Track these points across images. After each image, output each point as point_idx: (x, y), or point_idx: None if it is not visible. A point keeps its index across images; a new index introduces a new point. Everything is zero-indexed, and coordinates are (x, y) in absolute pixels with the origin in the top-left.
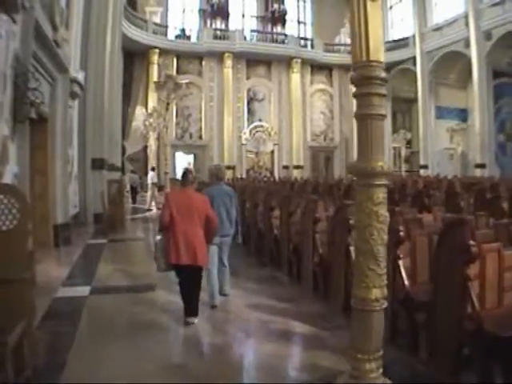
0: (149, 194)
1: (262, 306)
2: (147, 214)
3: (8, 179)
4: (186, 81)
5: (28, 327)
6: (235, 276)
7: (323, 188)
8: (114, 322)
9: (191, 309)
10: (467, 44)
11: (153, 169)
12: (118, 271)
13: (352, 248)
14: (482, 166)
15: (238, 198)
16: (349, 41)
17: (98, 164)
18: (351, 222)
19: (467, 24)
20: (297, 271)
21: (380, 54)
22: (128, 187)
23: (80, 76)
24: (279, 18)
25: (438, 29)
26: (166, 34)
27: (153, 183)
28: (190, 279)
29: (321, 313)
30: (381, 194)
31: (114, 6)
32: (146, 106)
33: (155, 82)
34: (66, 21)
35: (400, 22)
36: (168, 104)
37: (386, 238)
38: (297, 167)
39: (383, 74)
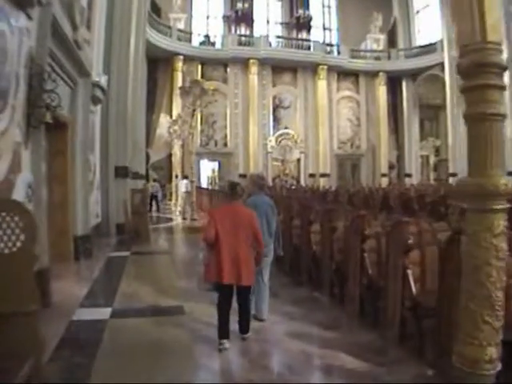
0: (180, 203)
1: (304, 335)
2: (175, 222)
3: (20, 189)
4: (212, 87)
5: (37, 365)
6: (270, 297)
7: (358, 199)
8: (136, 352)
9: (245, 326)
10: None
11: (186, 177)
12: (143, 289)
13: (410, 271)
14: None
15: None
16: (375, 46)
17: (122, 172)
18: (410, 241)
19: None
20: (339, 293)
21: (499, 34)
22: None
23: (103, 80)
24: (304, 24)
25: None
26: (190, 41)
27: (187, 192)
28: (231, 300)
29: (372, 344)
30: (501, 222)
31: (138, 10)
32: (170, 113)
33: (180, 88)
34: (87, 21)
35: (427, 27)
36: (194, 110)
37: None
38: (323, 175)
39: (503, 61)
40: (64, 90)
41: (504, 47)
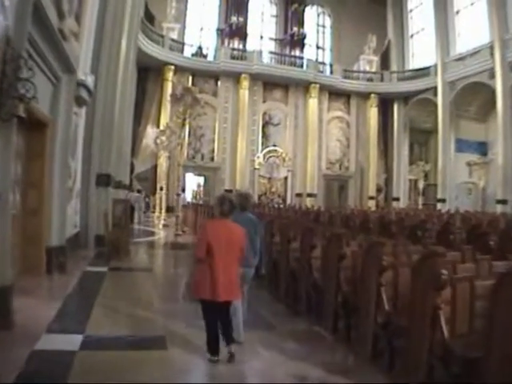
0: (178, 215)
1: (310, 380)
2: (157, 236)
3: None
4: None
5: None
6: (266, 329)
7: (354, 222)
8: None
9: (227, 338)
10: (492, 75)
11: (183, 190)
12: (120, 313)
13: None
14: (503, 201)
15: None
16: (368, 68)
17: (104, 180)
18: (444, 277)
19: (492, 54)
20: (346, 329)
21: None
22: None
23: (89, 80)
24: (298, 42)
25: (461, 59)
26: (182, 51)
27: (183, 205)
28: (221, 315)
29: None
30: None
31: (132, 13)
32: (157, 124)
33: (172, 95)
34: (76, 12)
35: (421, 51)
36: (184, 120)
37: None
38: (310, 195)
39: None
40: (45, 84)
41: None
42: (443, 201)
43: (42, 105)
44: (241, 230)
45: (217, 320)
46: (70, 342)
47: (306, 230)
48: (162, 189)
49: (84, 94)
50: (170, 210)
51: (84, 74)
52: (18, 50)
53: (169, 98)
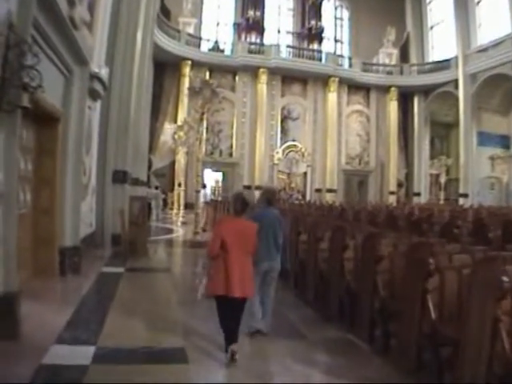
0: (197, 213)
1: None
2: (176, 234)
3: None
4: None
5: None
6: (296, 338)
7: (382, 219)
8: None
9: (234, 337)
10: None
11: (204, 186)
12: (136, 321)
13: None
14: None
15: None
16: (387, 61)
17: (120, 177)
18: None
19: None
20: (384, 338)
21: None
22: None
23: (103, 72)
24: (316, 35)
25: (483, 50)
26: (199, 46)
27: (205, 202)
28: (235, 311)
29: None
30: None
31: (147, 6)
32: (175, 120)
33: (189, 88)
34: (88, 2)
35: (441, 43)
36: (203, 114)
37: None
38: (329, 191)
39: None
40: (56, 76)
41: None
42: (465, 196)
43: (54, 98)
44: (253, 226)
45: (230, 316)
46: (81, 354)
47: (336, 229)
48: (180, 185)
49: (98, 86)
50: (188, 206)
51: (98, 67)
52: (22, 34)
53: (186, 92)
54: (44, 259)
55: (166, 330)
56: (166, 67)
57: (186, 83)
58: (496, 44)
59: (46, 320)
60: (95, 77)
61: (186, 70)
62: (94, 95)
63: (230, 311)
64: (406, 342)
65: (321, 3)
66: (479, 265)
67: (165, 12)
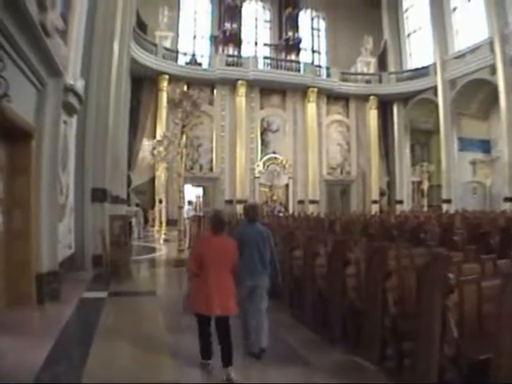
0: (181, 230)
1: None
2: (159, 253)
3: None
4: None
5: None
6: (298, 364)
7: (375, 230)
8: None
9: (228, 357)
10: (493, 71)
11: (189, 202)
12: (122, 353)
13: None
14: (511, 199)
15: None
16: (366, 70)
17: (99, 195)
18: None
19: (492, 50)
20: (398, 359)
21: None
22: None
23: (79, 85)
24: (293, 47)
25: (461, 56)
26: (176, 60)
27: (188, 218)
28: (219, 329)
29: None
30: None
31: (123, 18)
32: (153, 136)
33: (169, 101)
34: (62, 11)
35: (419, 50)
36: (184, 127)
37: None
38: (312, 202)
39: None
40: (27, 88)
41: None
42: (448, 201)
43: (25, 112)
44: (232, 243)
45: (210, 333)
46: None
47: (336, 244)
48: (161, 201)
49: (73, 100)
50: (170, 223)
51: (73, 79)
52: None
53: (165, 106)
54: (19, 287)
55: (156, 363)
56: (143, 82)
57: (163, 98)
58: (474, 49)
59: (22, 358)
60: (70, 90)
61: (164, 84)
62: (69, 109)
63: (209, 329)
64: (425, 364)
65: (297, 14)
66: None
67: (141, 26)
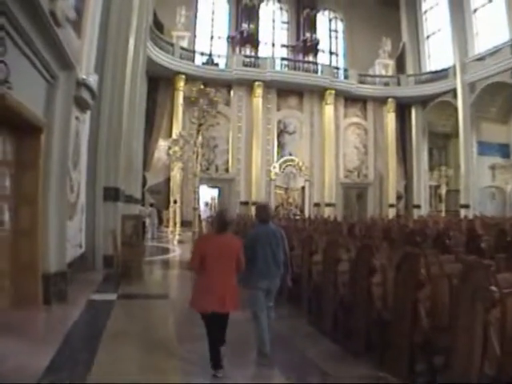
0: (195, 231)
1: None
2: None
3: None
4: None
5: None
6: (319, 376)
7: (396, 234)
8: None
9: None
10: None
11: (206, 203)
12: (129, 361)
13: None
14: None
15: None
16: (384, 72)
17: (112, 194)
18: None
19: None
20: (429, 375)
21: None
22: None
23: (92, 80)
24: (311, 48)
25: (481, 59)
26: (193, 60)
27: (203, 219)
28: (218, 325)
29: None
30: None
31: (140, 14)
32: (169, 136)
33: (185, 98)
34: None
35: (438, 52)
36: (200, 125)
37: None
38: (328, 205)
39: None
40: (36, 80)
41: None
42: (467, 206)
43: (34, 105)
44: (237, 242)
45: (217, 331)
46: None
47: (361, 249)
48: (175, 202)
49: (86, 95)
50: (184, 224)
51: (86, 73)
52: None
53: (181, 106)
54: (25, 287)
55: (164, 373)
56: (159, 82)
57: (180, 97)
58: (494, 52)
59: (24, 361)
60: (83, 84)
61: (181, 84)
62: (81, 105)
63: (216, 326)
64: (461, 380)
65: (315, 16)
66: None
67: (158, 25)
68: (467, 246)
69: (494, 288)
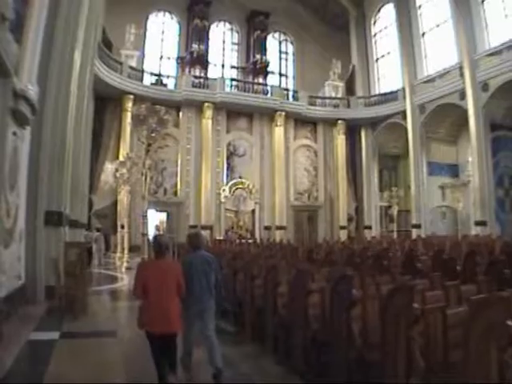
0: (142, 258)
1: None
2: (121, 283)
3: None
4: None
5: None
6: None
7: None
8: None
9: (171, 366)
10: (462, 95)
11: (157, 227)
12: None
13: None
14: (482, 223)
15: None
16: (334, 94)
17: (54, 219)
18: None
19: (462, 75)
20: None
21: None
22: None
23: (32, 92)
24: (261, 70)
25: (430, 80)
26: (141, 80)
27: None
28: (164, 347)
29: None
30: None
31: (87, 31)
32: (117, 158)
33: (134, 117)
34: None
35: (387, 74)
36: (149, 145)
37: None
38: (279, 228)
39: None
40: None
41: None
42: (418, 226)
43: None
44: (176, 266)
45: (159, 349)
46: None
47: (338, 280)
48: (123, 227)
49: (24, 108)
50: (133, 249)
51: (25, 82)
52: None
53: (128, 127)
54: None
55: None
56: (106, 102)
57: (128, 118)
58: (443, 74)
59: None
60: (21, 95)
61: (129, 104)
62: (20, 119)
63: (159, 347)
64: None
65: (266, 37)
66: None
67: (107, 43)
68: (404, 266)
69: (416, 305)
